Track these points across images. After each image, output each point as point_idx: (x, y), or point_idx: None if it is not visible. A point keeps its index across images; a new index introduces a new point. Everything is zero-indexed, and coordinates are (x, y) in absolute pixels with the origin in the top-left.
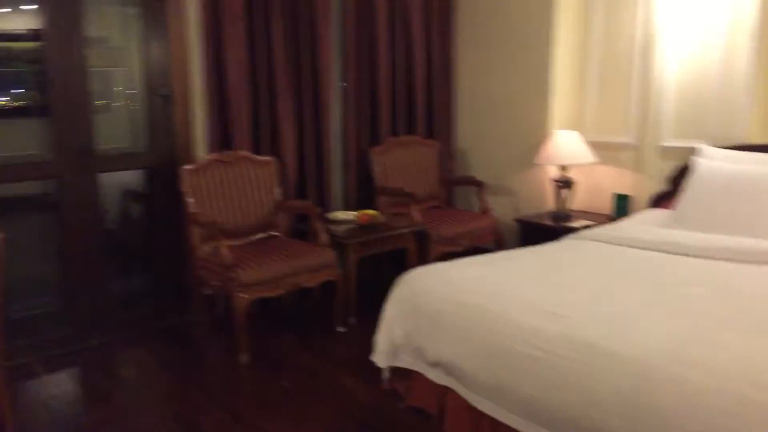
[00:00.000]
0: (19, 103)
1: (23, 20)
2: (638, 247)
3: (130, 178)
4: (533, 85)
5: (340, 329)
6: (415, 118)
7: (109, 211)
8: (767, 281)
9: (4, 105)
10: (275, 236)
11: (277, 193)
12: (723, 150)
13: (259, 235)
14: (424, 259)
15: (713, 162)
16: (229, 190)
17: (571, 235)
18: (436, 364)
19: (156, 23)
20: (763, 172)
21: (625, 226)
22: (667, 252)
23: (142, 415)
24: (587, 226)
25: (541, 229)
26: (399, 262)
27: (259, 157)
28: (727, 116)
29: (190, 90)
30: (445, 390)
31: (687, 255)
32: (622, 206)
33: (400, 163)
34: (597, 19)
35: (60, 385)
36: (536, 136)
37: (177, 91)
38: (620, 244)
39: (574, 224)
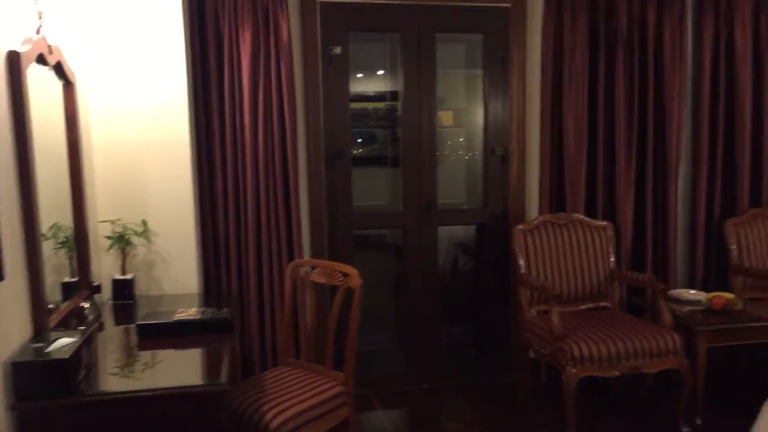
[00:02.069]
0: (371, 153)
1: (376, 83)
2: None
3: (463, 230)
4: None
5: (685, 430)
6: None
7: (442, 260)
8: None
9: (360, 154)
10: (606, 308)
11: (611, 262)
12: None
13: (589, 305)
14: None
15: None
16: (561, 253)
17: None
18: None
19: (498, 84)
20: None
21: None
22: None
23: None
24: None
25: None
26: (756, 362)
27: (593, 221)
28: None
29: (527, 150)
30: None
31: None
32: None
33: (764, 239)
34: None
35: (395, 422)
36: None
37: (514, 150)
38: None
39: None
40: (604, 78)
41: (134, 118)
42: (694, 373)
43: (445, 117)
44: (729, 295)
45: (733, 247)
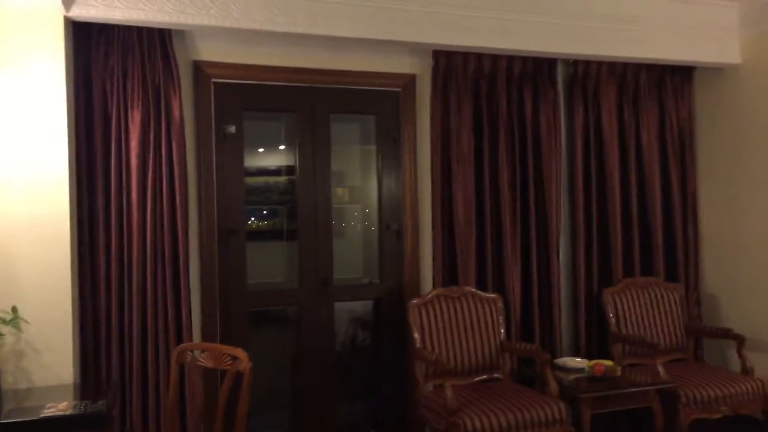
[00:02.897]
0: (274, 227)
1: (277, 157)
2: None
3: (361, 306)
4: None
5: None
6: (653, 259)
7: (340, 337)
8: None
9: (261, 228)
10: (498, 379)
11: (502, 333)
12: None
13: (482, 377)
14: (671, 424)
15: None
16: (454, 326)
17: None
18: None
19: (391, 162)
20: None
21: None
22: None
23: None
24: None
25: None
26: (638, 425)
27: (484, 294)
28: None
29: (420, 225)
30: None
31: None
32: None
33: (638, 307)
34: None
35: None
36: None
37: (408, 225)
38: None
39: None
40: (488, 158)
41: (6, 189)
42: None
43: (341, 192)
44: (608, 362)
45: (611, 315)
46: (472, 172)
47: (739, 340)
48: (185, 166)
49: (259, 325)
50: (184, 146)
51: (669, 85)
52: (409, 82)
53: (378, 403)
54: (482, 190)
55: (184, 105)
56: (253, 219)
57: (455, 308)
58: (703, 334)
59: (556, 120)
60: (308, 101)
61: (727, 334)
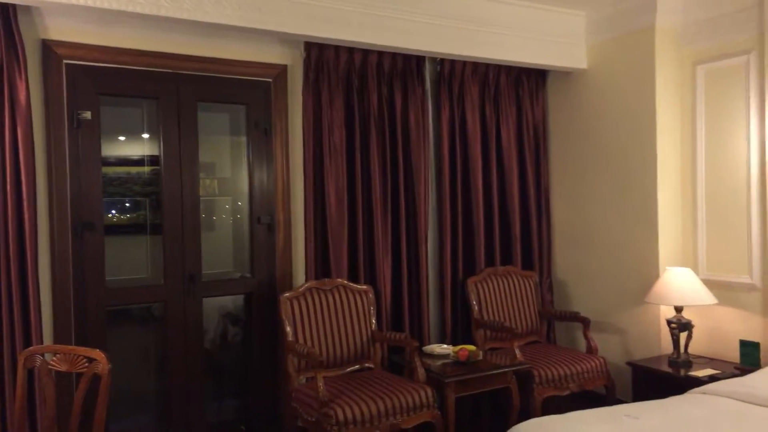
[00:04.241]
0: (138, 221)
1: (140, 146)
2: None
3: (232, 301)
4: (637, 217)
5: None
6: (512, 248)
7: (207, 333)
8: None
9: (122, 222)
10: (370, 369)
11: (373, 323)
12: None
13: (354, 367)
14: (526, 402)
15: None
16: (327, 318)
17: (696, 389)
18: None
19: (262, 154)
20: None
21: (759, 382)
22: None
23: None
24: (712, 377)
25: (658, 376)
26: (498, 404)
27: (356, 286)
28: None
29: (293, 218)
30: None
31: None
32: (751, 355)
33: (498, 294)
34: (703, 152)
35: None
36: (644, 271)
37: (280, 218)
38: (759, 404)
39: (697, 373)
40: (360, 153)
41: None
42: (446, 423)
43: (209, 184)
44: (472, 347)
45: (474, 303)
46: (345, 166)
47: (585, 322)
48: (32, 154)
49: (121, 325)
50: (32, 133)
51: (525, 86)
52: (280, 72)
53: (250, 399)
54: (354, 183)
55: (32, 88)
56: (114, 212)
57: (327, 301)
58: (554, 318)
59: (424, 116)
60: (173, 88)
61: (575, 317)
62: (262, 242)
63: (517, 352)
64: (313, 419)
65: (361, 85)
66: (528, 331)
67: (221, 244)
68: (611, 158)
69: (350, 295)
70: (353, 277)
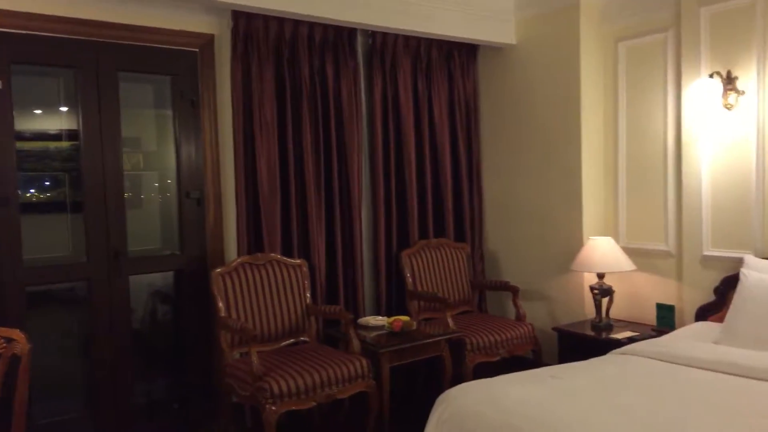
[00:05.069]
0: (58, 198)
1: (59, 120)
2: (691, 366)
3: (161, 278)
4: (563, 189)
5: None
6: (445, 221)
7: (135, 312)
8: None
9: (41, 200)
10: (305, 342)
11: (307, 297)
12: None
13: (289, 341)
14: (459, 369)
15: (761, 274)
16: (260, 293)
17: (616, 350)
18: None
19: (190, 127)
20: None
21: (673, 342)
22: (725, 372)
23: None
24: (631, 338)
25: (582, 340)
26: (432, 372)
27: (289, 260)
28: None
29: (223, 193)
30: None
31: (747, 377)
32: (666, 317)
33: (431, 266)
34: (624, 126)
35: None
36: (569, 241)
37: (209, 193)
38: (671, 362)
39: (617, 336)
40: (292, 126)
41: None
42: (381, 392)
43: (134, 159)
44: (406, 318)
45: (408, 275)
46: (276, 139)
47: (514, 291)
48: None
49: (44, 305)
50: None
51: (457, 61)
52: (207, 42)
53: (182, 377)
54: (286, 157)
55: None
56: (32, 190)
57: (261, 275)
58: (485, 288)
59: (356, 89)
60: (92, 57)
61: (505, 286)
62: (191, 218)
63: (450, 321)
64: (248, 393)
65: (292, 57)
66: (460, 301)
67: (148, 220)
68: (539, 132)
69: (284, 270)
70: (287, 252)
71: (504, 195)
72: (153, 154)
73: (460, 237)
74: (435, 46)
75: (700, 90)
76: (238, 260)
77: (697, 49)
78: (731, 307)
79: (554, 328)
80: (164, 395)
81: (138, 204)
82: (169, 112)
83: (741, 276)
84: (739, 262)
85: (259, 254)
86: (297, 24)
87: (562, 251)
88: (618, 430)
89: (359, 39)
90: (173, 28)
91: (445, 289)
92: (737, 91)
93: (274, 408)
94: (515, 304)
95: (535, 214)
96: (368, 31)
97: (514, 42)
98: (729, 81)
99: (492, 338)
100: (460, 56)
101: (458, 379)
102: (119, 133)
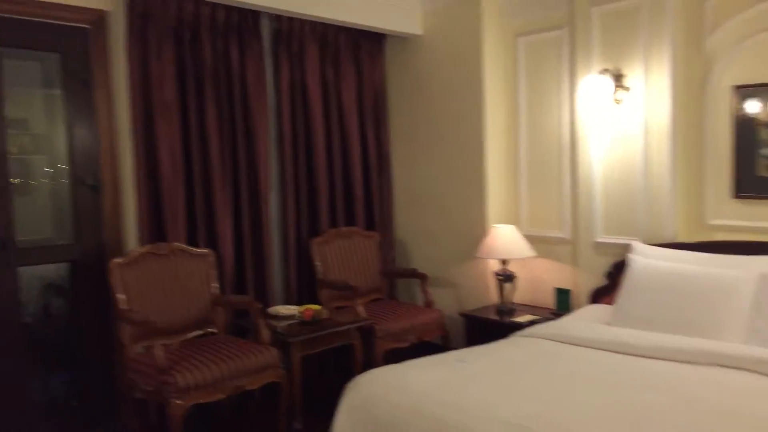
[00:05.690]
0: None
1: None
2: (585, 346)
3: (55, 270)
4: (468, 179)
5: None
6: (355, 210)
7: (26, 306)
8: (723, 387)
9: None
10: (213, 334)
11: (215, 288)
12: (655, 247)
13: (196, 333)
14: (369, 356)
15: (647, 259)
16: (163, 284)
17: (518, 333)
18: None
19: (83, 109)
20: (697, 271)
21: (569, 324)
22: (614, 351)
23: None
24: (532, 321)
25: (487, 324)
26: (343, 360)
27: (194, 250)
28: (655, 214)
29: (121, 180)
30: None
31: (633, 355)
32: (564, 300)
33: (341, 254)
34: (525, 119)
35: None
36: (475, 229)
37: (107, 179)
38: (567, 342)
39: (519, 319)
40: (195, 110)
41: None
42: (292, 383)
43: (21, 142)
44: (317, 307)
45: (319, 263)
46: (179, 124)
47: (423, 278)
48: None
49: None
50: None
51: (365, 49)
52: (99, 18)
53: (81, 374)
54: (190, 142)
55: None
56: None
57: (164, 266)
58: (395, 276)
59: (262, 74)
60: None
61: (413, 273)
62: (86, 205)
63: (361, 309)
64: (152, 388)
65: (193, 38)
66: (371, 289)
67: (39, 208)
68: (445, 123)
69: (189, 259)
70: (192, 241)
71: (413, 184)
72: (42, 137)
73: (370, 225)
74: (343, 32)
75: (593, 86)
76: (140, 250)
77: (589, 47)
78: (621, 290)
79: (461, 314)
80: (62, 393)
81: (27, 190)
82: (60, 93)
83: (629, 261)
84: (628, 247)
85: (162, 244)
86: (198, 4)
87: (468, 239)
88: (516, 407)
89: (265, 23)
90: (60, 2)
91: (356, 277)
92: (624, 88)
93: (180, 402)
94: (424, 291)
95: (443, 203)
96: (273, 14)
97: (420, 32)
98: (618, 78)
99: (401, 325)
100: (367, 45)
101: (369, 366)
102: (2, 114)
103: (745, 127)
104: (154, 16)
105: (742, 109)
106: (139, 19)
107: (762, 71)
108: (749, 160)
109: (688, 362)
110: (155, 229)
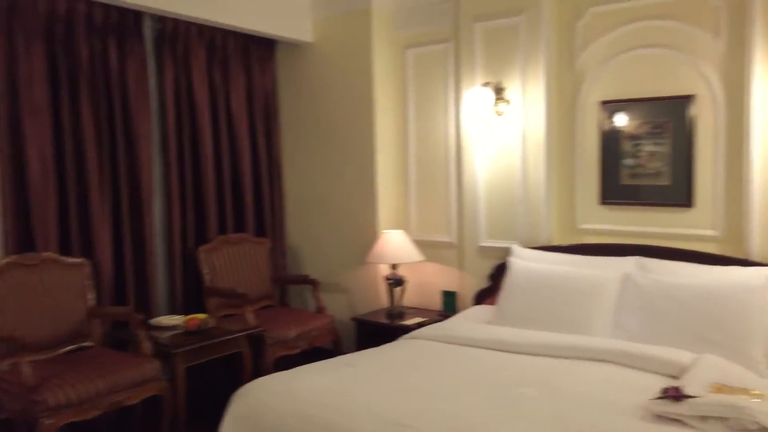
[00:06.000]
0: None
1: None
2: (468, 345)
3: None
4: (359, 185)
5: None
6: (244, 216)
7: None
8: (587, 378)
9: None
10: (88, 347)
11: (90, 299)
12: (532, 250)
13: (69, 348)
14: (259, 364)
15: (525, 261)
16: (32, 297)
17: (405, 336)
18: None
19: None
20: (569, 272)
21: (453, 325)
22: (494, 349)
23: None
24: (420, 324)
25: (377, 327)
26: (233, 370)
27: (68, 259)
28: (532, 220)
29: None
30: None
31: (512, 352)
32: (450, 302)
33: (231, 262)
34: (414, 128)
35: None
36: (365, 234)
37: None
38: (452, 343)
39: (408, 322)
40: (69, 113)
41: None
42: (176, 396)
43: None
44: (203, 316)
45: (206, 271)
46: (50, 127)
47: (314, 284)
48: None
49: None
50: None
51: (254, 54)
52: None
53: None
54: (63, 147)
55: None
56: None
57: (33, 277)
58: (286, 282)
59: (144, 76)
60: None
61: (305, 279)
62: None
63: (250, 317)
64: (19, 408)
65: (66, 36)
66: (261, 296)
67: None
68: (336, 130)
69: (61, 270)
70: (65, 249)
71: (304, 190)
72: None
73: (261, 232)
74: (232, 36)
75: (476, 98)
76: (4, 261)
77: (472, 61)
78: (502, 291)
79: (352, 318)
80: None
81: None
82: None
83: (509, 263)
84: (509, 251)
85: (31, 254)
86: (73, 1)
87: (359, 244)
88: (400, 407)
89: (147, 23)
90: None
91: (246, 284)
92: (505, 101)
93: (50, 422)
94: (315, 297)
95: (334, 209)
96: (156, 15)
97: (311, 40)
98: (499, 91)
99: (292, 332)
100: (257, 50)
101: (259, 374)
102: None
103: (611, 140)
104: (21, 12)
105: (608, 122)
106: (5, 14)
107: (624, 88)
108: (614, 170)
109: (560, 357)
110: (23, 238)
